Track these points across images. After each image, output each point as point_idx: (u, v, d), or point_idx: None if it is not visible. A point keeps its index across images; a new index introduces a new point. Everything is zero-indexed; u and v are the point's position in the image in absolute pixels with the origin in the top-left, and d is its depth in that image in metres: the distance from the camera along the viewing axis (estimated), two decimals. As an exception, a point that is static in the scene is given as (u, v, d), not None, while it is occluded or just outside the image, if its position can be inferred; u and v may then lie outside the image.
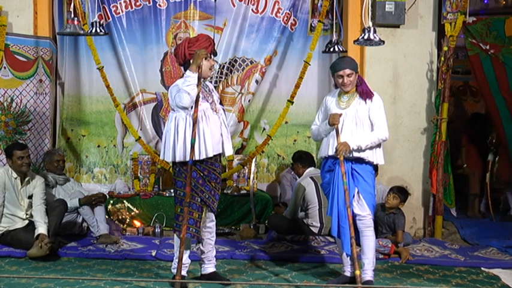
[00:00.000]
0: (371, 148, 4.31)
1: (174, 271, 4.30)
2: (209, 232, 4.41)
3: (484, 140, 7.44)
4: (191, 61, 4.25)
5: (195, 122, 4.15)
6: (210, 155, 4.20)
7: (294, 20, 7.09)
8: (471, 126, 7.57)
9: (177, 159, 4.21)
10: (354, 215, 4.31)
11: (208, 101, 4.27)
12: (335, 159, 4.33)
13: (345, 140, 4.25)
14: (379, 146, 4.36)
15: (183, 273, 4.28)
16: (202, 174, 4.25)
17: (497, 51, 6.09)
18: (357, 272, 4.15)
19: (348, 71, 4.32)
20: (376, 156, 4.35)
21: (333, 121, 4.31)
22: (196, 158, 4.17)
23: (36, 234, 5.08)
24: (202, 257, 4.45)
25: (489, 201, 7.00)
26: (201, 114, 4.20)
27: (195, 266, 4.61)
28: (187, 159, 4.16)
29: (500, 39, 6.09)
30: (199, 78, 4.16)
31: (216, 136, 4.23)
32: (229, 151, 4.34)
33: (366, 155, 4.30)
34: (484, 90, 6.37)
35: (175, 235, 4.35)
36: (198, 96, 4.15)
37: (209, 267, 4.45)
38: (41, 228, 5.12)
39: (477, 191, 7.34)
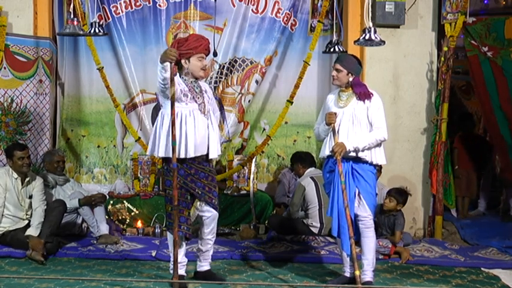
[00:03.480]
0: (370, 148, 4.31)
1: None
2: (210, 232, 4.39)
3: (475, 140, 7.47)
4: (182, 61, 4.26)
5: (173, 123, 4.13)
6: (192, 155, 4.19)
7: (294, 20, 7.09)
8: (460, 126, 7.57)
9: (160, 155, 4.23)
10: (355, 216, 4.31)
11: (197, 102, 4.26)
12: (335, 159, 4.34)
13: (342, 141, 4.25)
14: (379, 145, 4.35)
15: (182, 272, 4.30)
16: (189, 172, 4.26)
17: (495, 53, 6.09)
18: (357, 273, 4.16)
19: (337, 66, 4.35)
20: (375, 156, 4.33)
21: (329, 120, 4.31)
22: (177, 156, 4.18)
23: (28, 234, 5.11)
24: (199, 254, 4.46)
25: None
26: (186, 113, 4.20)
27: (195, 266, 4.60)
28: (170, 155, 4.17)
29: (499, 41, 6.09)
30: (172, 79, 4.09)
31: (200, 137, 4.21)
32: (213, 154, 4.29)
33: (365, 154, 4.29)
34: (481, 91, 6.36)
35: (168, 233, 4.36)
36: (173, 96, 4.11)
37: (205, 266, 4.47)
38: (32, 229, 5.14)
39: (465, 193, 7.34)
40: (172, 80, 4.10)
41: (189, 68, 4.28)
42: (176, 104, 4.17)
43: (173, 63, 4.08)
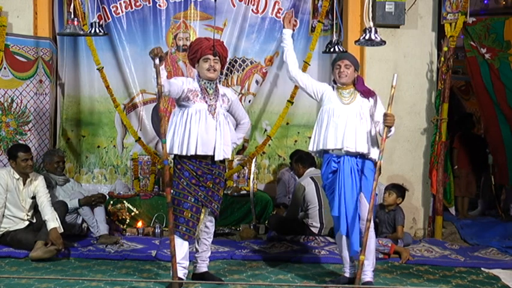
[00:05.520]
0: (372, 144, 4.31)
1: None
2: (206, 232, 4.41)
3: (474, 140, 7.47)
4: (195, 66, 4.40)
5: (161, 119, 4.17)
6: (192, 153, 4.20)
7: (295, 20, 7.09)
8: (460, 126, 7.58)
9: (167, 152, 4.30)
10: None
11: (207, 102, 4.28)
12: (338, 157, 4.32)
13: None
14: (377, 142, 4.37)
15: (181, 275, 4.26)
16: (195, 174, 4.26)
17: (493, 55, 6.09)
18: (362, 257, 4.17)
19: (346, 62, 4.35)
20: (376, 153, 4.34)
21: (287, 25, 4.44)
22: (176, 152, 4.22)
23: (49, 229, 5.07)
24: (196, 256, 4.46)
25: (497, 202, 7.16)
26: (192, 112, 4.24)
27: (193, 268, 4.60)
28: (174, 151, 4.23)
29: (498, 42, 6.09)
30: (157, 74, 4.11)
31: (205, 137, 4.21)
32: (219, 156, 4.27)
33: (369, 152, 4.29)
34: (480, 91, 6.37)
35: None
36: (160, 91, 4.11)
37: (202, 267, 4.47)
38: (51, 223, 5.10)
39: (464, 193, 7.34)
40: (157, 74, 4.10)
41: (199, 71, 4.37)
42: (183, 102, 4.27)
43: (157, 59, 4.08)
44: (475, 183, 7.51)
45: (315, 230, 5.83)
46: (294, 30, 4.41)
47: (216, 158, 4.29)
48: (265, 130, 7.21)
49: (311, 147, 4.45)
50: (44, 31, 6.42)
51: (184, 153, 4.21)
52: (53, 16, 6.69)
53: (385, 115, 4.25)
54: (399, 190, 5.73)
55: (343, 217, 4.29)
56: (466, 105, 8.80)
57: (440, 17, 6.33)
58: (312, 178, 5.90)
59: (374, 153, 4.32)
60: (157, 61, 4.07)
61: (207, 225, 4.40)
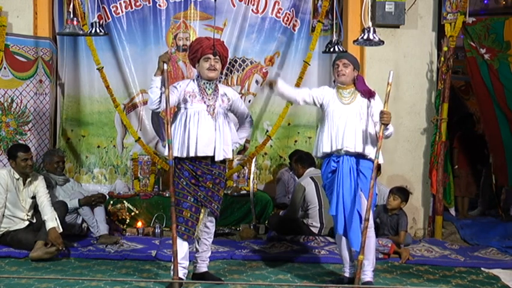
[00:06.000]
0: (372, 145, 4.31)
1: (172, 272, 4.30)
2: (207, 232, 4.41)
3: (474, 140, 7.47)
4: (196, 66, 4.38)
5: (167, 122, 4.18)
6: (192, 154, 4.20)
7: (296, 21, 7.09)
8: (460, 126, 7.58)
9: (166, 153, 4.31)
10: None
11: (205, 103, 4.28)
12: (337, 157, 4.32)
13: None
14: (377, 142, 4.36)
15: (181, 275, 4.26)
16: (195, 174, 4.26)
17: (493, 55, 6.08)
18: (360, 257, 4.17)
19: (344, 61, 4.35)
20: (376, 153, 4.34)
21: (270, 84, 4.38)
22: (176, 154, 4.21)
23: (48, 229, 5.06)
24: (196, 255, 4.46)
25: (497, 202, 7.19)
26: (190, 113, 4.24)
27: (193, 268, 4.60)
28: (174, 154, 4.22)
29: (498, 43, 6.08)
30: (163, 81, 4.14)
31: (205, 138, 4.21)
32: (220, 156, 4.27)
33: (369, 151, 4.29)
34: (480, 91, 6.37)
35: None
36: (167, 98, 4.13)
37: (202, 267, 4.47)
38: (50, 223, 5.09)
39: (464, 193, 7.34)
40: (163, 81, 4.12)
41: (200, 71, 4.36)
42: (181, 105, 4.29)
43: (166, 65, 4.12)
44: (475, 183, 7.51)
45: (315, 230, 5.83)
46: (275, 83, 4.39)
47: (217, 159, 4.29)
48: (267, 131, 7.19)
49: (314, 153, 4.54)
50: (44, 31, 6.42)
51: (184, 156, 4.21)
52: (53, 16, 6.69)
53: (382, 113, 4.23)
54: (404, 194, 5.67)
55: (341, 216, 4.29)
56: (468, 105, 8.79)
57: (440, 17, 6.33)
58: (311, 178, 5.90)
59: (374, 153, 4.31)
60: (166, 66, 4.11)
61: (207, 225, 4.40)
